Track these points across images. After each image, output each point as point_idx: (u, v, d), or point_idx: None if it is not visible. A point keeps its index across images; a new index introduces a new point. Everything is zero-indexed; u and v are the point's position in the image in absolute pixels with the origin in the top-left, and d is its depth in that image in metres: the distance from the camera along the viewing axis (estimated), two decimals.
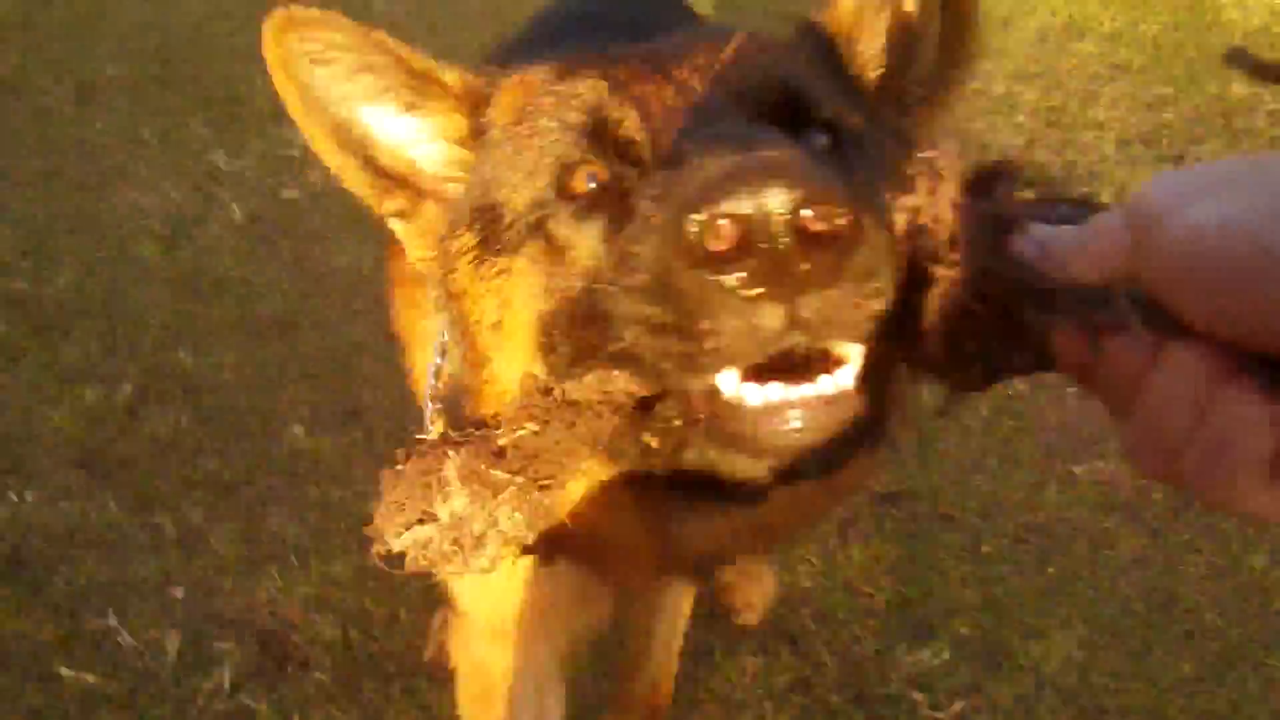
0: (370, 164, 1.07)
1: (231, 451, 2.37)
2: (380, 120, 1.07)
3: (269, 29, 1.00)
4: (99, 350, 2.66)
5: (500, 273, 1.02)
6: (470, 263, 1.05)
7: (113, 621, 2.01)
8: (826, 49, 1.14)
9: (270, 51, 1.01)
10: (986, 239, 0.66)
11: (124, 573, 2.11)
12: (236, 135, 3.70)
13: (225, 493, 2.27)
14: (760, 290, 0.72)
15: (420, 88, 1.06)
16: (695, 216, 0.70)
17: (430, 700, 1.90)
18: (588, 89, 1.00)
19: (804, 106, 1.01)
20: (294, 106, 1.03)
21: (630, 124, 0.96)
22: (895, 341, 0.73)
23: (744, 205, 0.68)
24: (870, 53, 1.15)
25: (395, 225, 1.11)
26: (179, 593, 2.07)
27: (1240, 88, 4.01)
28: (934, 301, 0.69)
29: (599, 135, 0.97)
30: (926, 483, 2.33)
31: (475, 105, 1.07)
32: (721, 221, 0.69)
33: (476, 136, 1.07)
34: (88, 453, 2.35)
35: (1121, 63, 4.22)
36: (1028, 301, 0.65)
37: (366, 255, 2.95)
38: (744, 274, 0.71)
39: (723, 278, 0.72)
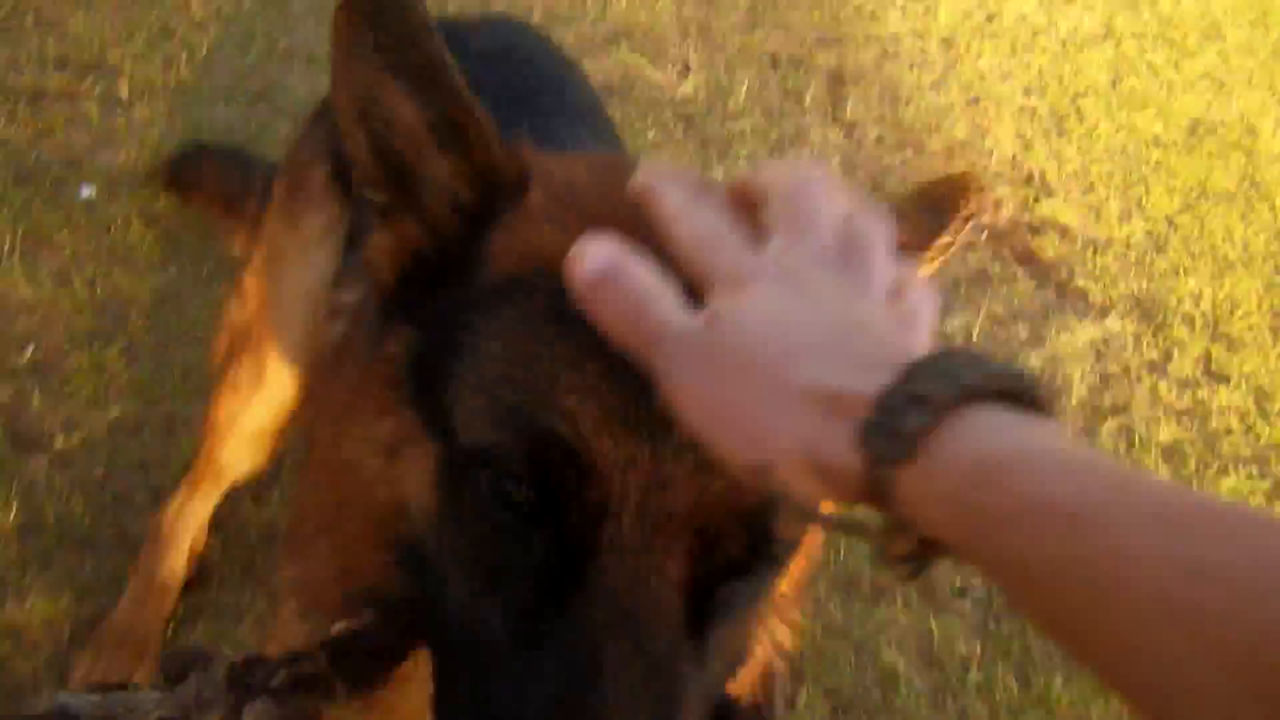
0: (381, 149, 0.91)
1: None
2: (410, 114, 0.89)
3: None
4: None
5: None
6: None
7: None
8: None
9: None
10: None
11: None
12: None
13: None
14: None
15: (458, 122, 0.89)
16: None
17: None
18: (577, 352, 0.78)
19: (761, 552, 0.82)
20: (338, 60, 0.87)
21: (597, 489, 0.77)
22: None
23: None
24: None
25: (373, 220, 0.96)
26: None
27: None
28: None
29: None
30: None
31: (489, 194, 0.90)
32: None
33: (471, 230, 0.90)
34: None
35: None
36: None
37: None
38: None
39: None
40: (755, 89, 3.35)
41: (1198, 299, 3.34)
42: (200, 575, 2.04)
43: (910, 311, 0.71)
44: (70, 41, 2.75)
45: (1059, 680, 2.28)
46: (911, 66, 3.71)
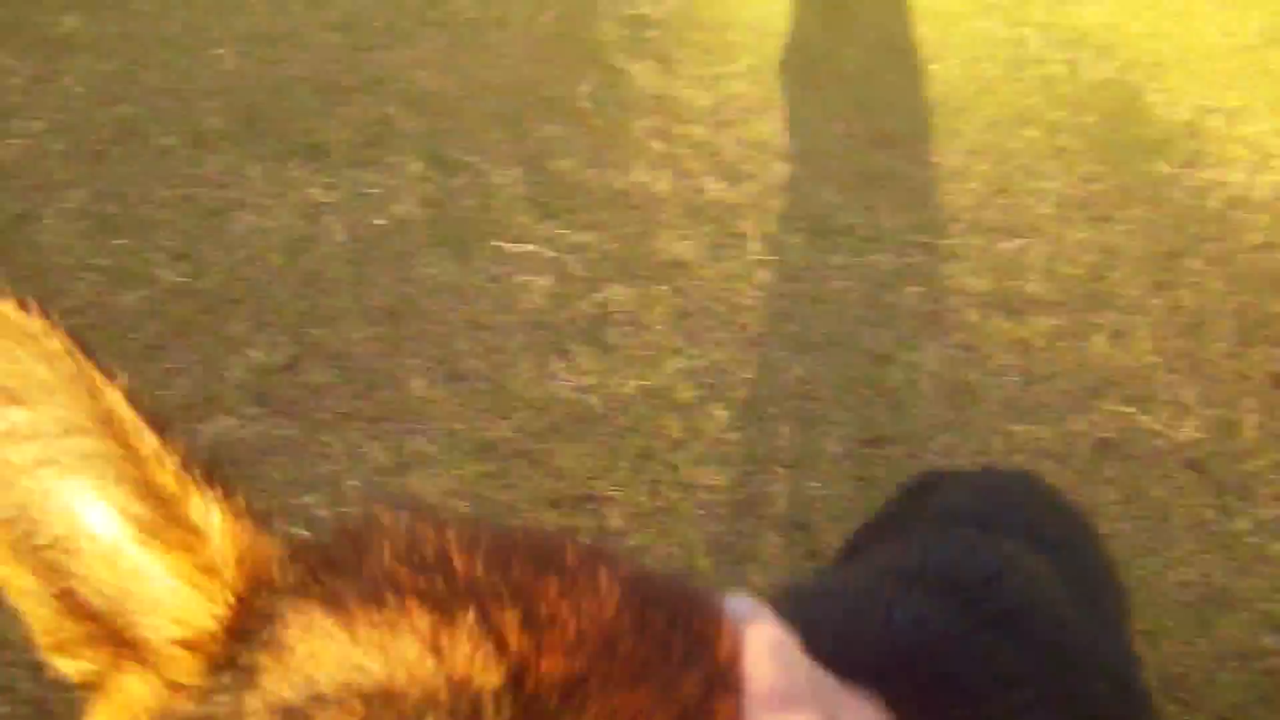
0: (66, 593, 0.63)
1: (372, 399, 3.09)
2: (97, 526, 0.63)
3: None
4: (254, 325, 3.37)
5: None
6: None
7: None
8: None
9: None
10: None
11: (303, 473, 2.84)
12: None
13: (371, 424, 2.99)
14: None
15: (161, 510, 0.62)
16: None
17: None
18: None
19: None
20: None
21: None
22: None
23: None
24: None
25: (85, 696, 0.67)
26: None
27: (1165, 167, 4.82)
28: None
29: None
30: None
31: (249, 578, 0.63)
32: None
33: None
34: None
35: (1062, 146, 5.03)
36: None
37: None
38: None
39: None
40: (1265, 419, 3.03)
41: None
42: None
43: None
44: (561, 478, 2.81)
45: None
46: None
